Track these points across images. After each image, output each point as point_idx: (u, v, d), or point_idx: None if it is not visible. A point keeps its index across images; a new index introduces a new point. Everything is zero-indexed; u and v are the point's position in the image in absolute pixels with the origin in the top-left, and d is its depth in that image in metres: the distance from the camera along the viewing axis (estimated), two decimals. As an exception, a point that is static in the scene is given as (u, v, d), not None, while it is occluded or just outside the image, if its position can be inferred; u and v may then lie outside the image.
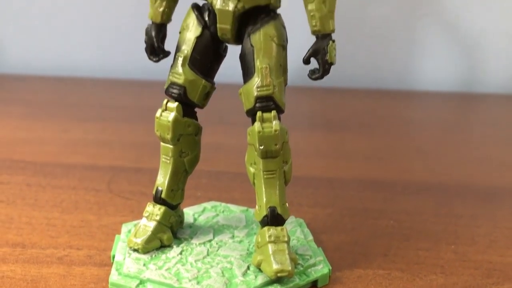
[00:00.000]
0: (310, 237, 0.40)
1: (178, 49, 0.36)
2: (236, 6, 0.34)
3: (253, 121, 0.35)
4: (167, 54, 0.39)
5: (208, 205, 0.44)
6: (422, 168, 0.57)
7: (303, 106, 0.79)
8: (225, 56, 0.37)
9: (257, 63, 0.34)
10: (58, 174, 0.53)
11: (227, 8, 0.34)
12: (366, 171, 0.56)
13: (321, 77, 0.35)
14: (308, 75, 0.35)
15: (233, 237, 0.40)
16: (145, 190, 0.50)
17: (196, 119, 0.38)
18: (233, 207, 0.44)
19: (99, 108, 0.77)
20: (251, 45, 0.34)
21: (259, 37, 0.34)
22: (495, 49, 0.93)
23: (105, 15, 0.99)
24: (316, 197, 0.50)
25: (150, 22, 0.38)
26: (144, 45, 0.39)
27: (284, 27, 0.36)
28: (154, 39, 0.37)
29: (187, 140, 0.37)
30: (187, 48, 0.36)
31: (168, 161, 0.37)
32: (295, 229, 0.40)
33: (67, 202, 0.47)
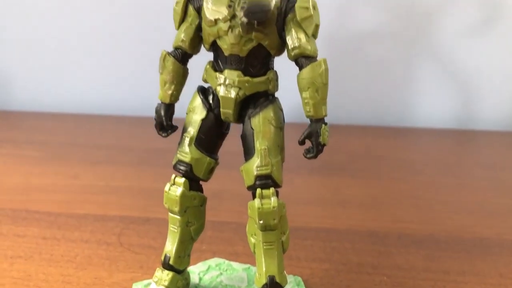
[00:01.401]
0: (308, 297, 0.43)
1: (185, 129, 0.40)
2: (237, 94, 0.38)
3: (254, 195, 0.38)
4: (175, 129, 0.42)
5: (212, 262, 0.48)
6: (415, 217, 0.60)
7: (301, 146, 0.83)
8: (227, 133, 0.41)
9: (257, 145, 0.38)
10: (71, 225, 0.57)
11: (229, 95, 0.38)
12: (362, 220, 0.59)
13: (315, 156, 0.38)
14: (303, 154, 0.38)
15: (235, 298, 0.43)
16: (153, 243, 0.53)
17: (202, 191, 0.41)
18: (235, 265, 0.47)
19: (108, 150, 0.80)
20: (252, 127, 0.38)
21: (259, 121, 0.38)
22: (489, 86, 0.96)
23: (112, 54, 1.03)
24: (314, 249, 0.53)
25: (160, 102, 0.41)
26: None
27: (281, 110, 0.39)
28: (163, 118, 0.41)
29: (193, 211, 0.41)
30: (193, 130, 0.39)
31: (176, 230, 0.41)
32: (293, 289, 0.44)
33: (81, 257, 0.50)
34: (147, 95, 1.01)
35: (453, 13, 0.92)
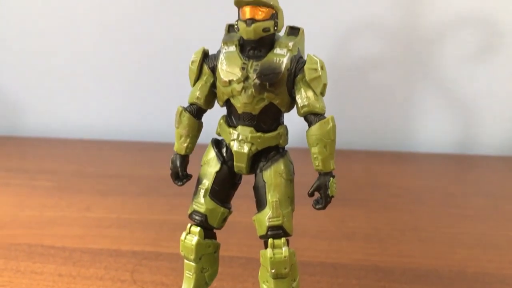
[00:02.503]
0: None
1: (200, 181, 0.42)
2: (250, 149, 0.40)
3: (266, 244, 0.41)
4: (189, 178, 0.44)
5: (224, 302, 0.50)
6: (419, 251, 0.62)
7: (308, 173, 0.85)
8: (239, 183, 0.43)
9: (269, 197, 0.40)
10: (86, 261, 0.59)
11: (242, 150, 0.40)
12: (367, 255, 0.61)
13: (324, 208, 0.40)
14: (312, 205, 0.40)
15: None
16: (166, 280, 0.55)
17: (215, 238, 0.43)
18: (246, 304, 0.49)
19: (118, 179, 0.83)
20: (263, 180, 0.40)
21: (270, 174, 0.40)
22: (489, 112, 0.98)
23: (121, 80, 1.06)
24: (322, 286, 0.54)
25: (175, 153, 0.44)
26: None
27: (292, 162, 0.42)
28: (179, 168, 0.43)
29: (208, 258, 0.43)
30: (208, 182, 0.42)
31: (191, 277, 0.43)
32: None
33: (97, 295, 0.53)
34: (155, 121, 1.04)
35: (454, 41, 0.94)
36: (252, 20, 0.38)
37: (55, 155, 0.94)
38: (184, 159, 0.43)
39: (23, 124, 1.08)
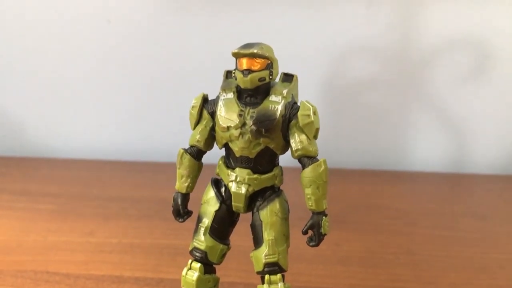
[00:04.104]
0: None
1: (200, 219, 0.45)
2: (247, 190, 0.43)
3: (262, 280, 0.43)
4: (190, 214, 0.47)
5: (223, 330, 0.52)
6: (412, 275, 0.64)
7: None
8: (237, 221, 0.46)
9: (265, 235, 0.42)
10: (90, 289, 0.61)
11: (240, 191, 0.43)
12: (361, 279, 0.63)
13: (317, 245, 0.43)
14: (306, 242, 0.43)
15: None
16: (167, 308, 0.58)
17: (215, 272, 0.46)
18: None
19: (119, 202, 0.85)
20: (260, 219, 0.43)
21: (266, 213, 0.43)
22: (482, 131, 1.01)
23: (122, 100, 1.08)
24: (318, 313, 0.57)
25: (177, 191, 0.46)
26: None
27: (287, 201, 0.44)
28: (180, 206, 0.45)
29: (208, 292, 0.45)
30: (207, 220, 0.44)
31: (192, 309, 0.45)
32: None
33: (101, 324, 0.55)
34: (156, 141, 1.06)
35: (446, 63, 0.97)
36: (249, 71, 0.40)
37: (58, 177, 0.97)
38: (185, 197, 0.46)
39: (26, 144, 1.10)
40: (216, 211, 0.44)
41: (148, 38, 1.01)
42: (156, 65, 1.02)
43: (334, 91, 1.01)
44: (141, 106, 1.05)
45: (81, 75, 1.04)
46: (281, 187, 0.46)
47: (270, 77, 0.41)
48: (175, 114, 0.97)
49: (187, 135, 0.47)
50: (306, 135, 0.41)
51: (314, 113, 0.41)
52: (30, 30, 1.03)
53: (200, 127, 0.44)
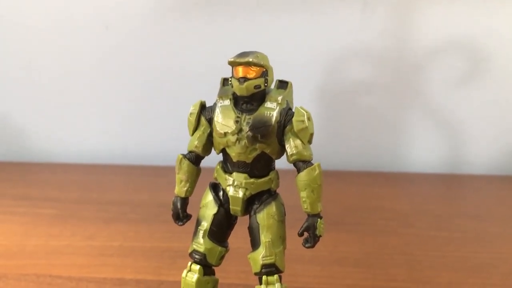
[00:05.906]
0: None
1: (199, 223, 0.46)
2: (244, 193, 0.44)
3: (260, 280, 0.44)
4: (189, 218, 0.48)
5: (223, 331, 0.53)
6: (407, 275, 0.65)
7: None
8: (235, 223, 0.47)
9: (262, 238, 0.44)
10: (92, 292, 0.62)
11: (237, 195, 0.44)
12: (358, 280, 0.64)
13: (312, 246, 0.44)
14: (302, 244, 0.44)
15: None
16: (168, 311, 0.59)
17: (214, 274, 0.47)
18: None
19: (119, 206, 0.86)
20: (257, 222, 0.44)
21: (263, 216, 0.44)
22: (476, 133, 1.02)
23: (121, 105, 1.09)
24: (314, 314, 0.58)
25: (176, 196, 0.47)
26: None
27: (283, 204, 0.46)
28: (180, 210, 0.47)
29: (207, 293, 0.46)
30: (206, 223, 0.45)
31: (192, 310, 0.46)
32: None
33: (103, 326, 0.56)
34: (155, 145, 1.08)
35: (441, 66, 0.98)
36: (245, 79, 0.41)
37: (58, 181, 0.98)
38: (184, 201, 0.47)
39: (27, 150, 1.11)
40: (215, 215, 0.45)
41: (147, 44, 1.02)
42: (155, 70, 1.03)
43: (330, 94, 1.02)
44: (141, 111, 1.06)
45: (80, 80, 1.06)
46: (278, 190, 0.47)
47: (265, 84, 0.43)
48: (174, 119, 0.98)
49: (186, 139, 0.48)
50: (301, 140, 0.43)
51: (309, 118, 0.43)
52: (30, 36, 1.04)
53: (198, 133, 0.45)
